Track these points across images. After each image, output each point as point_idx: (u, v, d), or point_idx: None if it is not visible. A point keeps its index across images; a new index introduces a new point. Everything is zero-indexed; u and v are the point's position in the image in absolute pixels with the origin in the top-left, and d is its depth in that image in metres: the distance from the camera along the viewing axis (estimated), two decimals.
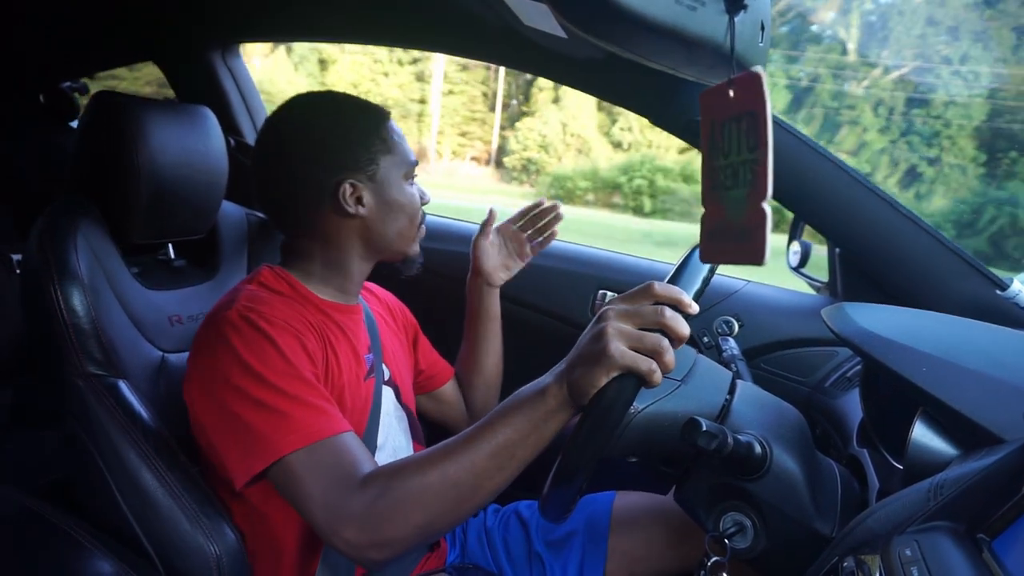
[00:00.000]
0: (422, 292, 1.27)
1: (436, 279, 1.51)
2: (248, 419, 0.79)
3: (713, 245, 0.64)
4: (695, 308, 0.69)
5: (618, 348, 0.64)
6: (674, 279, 0.72)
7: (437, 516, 0.72)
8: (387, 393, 1.06)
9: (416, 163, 1.03)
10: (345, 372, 0.94)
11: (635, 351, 0.65)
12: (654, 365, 0.65)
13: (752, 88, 0.61)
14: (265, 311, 0.86)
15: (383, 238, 1.00)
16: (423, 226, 1.05)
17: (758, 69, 0.60)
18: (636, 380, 0.65)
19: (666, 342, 0.65)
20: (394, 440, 1.04)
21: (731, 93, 0.62)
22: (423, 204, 1.04)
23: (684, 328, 0.66)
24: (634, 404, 0.75)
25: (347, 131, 0.97)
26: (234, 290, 0.94)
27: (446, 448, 0.74)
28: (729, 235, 0.63)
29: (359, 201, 0.96)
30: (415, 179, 1.04)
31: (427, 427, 1.18)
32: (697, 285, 0.72)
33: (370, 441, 0.98)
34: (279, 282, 0.97)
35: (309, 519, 0.77)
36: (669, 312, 0.66)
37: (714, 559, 0.80)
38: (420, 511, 0.72)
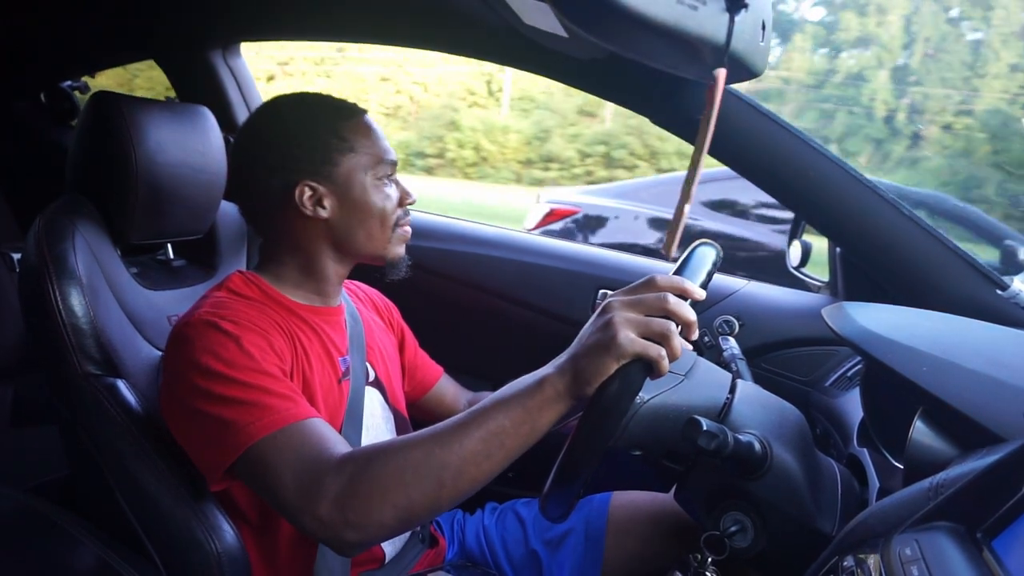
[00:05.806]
0: (412, 290, 1.26)
1: (427, 277, 1.50)
2: (214, 415, 0.79)
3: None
4: (701, 294, 0.69)
5: (627, 336, 0.65)
6: (678, 272, 0.73)
7: (417, 499, 0.70)
8: (372, 394, 1.04)
9: (394, 162, 0.99)
10: (317, 373, 0.93)
11: (644, 338, 0.65)
12: (663, 351, 0.65)
13: (713, 87, 0.61)
14: (228, 314, 0.86)
15: (351, 241, 0.97)
16: (401, 228, 1.00)
17: (719, 71, 0.60)
18: (643, 368, 0.65)
19: (673, 326, 0.66)
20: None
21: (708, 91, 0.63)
22: (407, 204, 1.01)
23: (690, 313, 0.67)
24: (639, 395, 0.75)
25: (299, 132, 0.95)
26: (202, 297, 0.93)
27: (434, 430, 0.73)
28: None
29: (319, 203, 0.94)
30: (391, 177, 0.99)
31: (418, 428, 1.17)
32: (702, 276, 0.72)
33: (352, 443, 0.95)
34: (249, 287, 0.95)
35: (279, 504, 0.75)
36: (673, 298, 0.67)
37: (709, 558, 0.80)
38: (401, 491, 0.70)
